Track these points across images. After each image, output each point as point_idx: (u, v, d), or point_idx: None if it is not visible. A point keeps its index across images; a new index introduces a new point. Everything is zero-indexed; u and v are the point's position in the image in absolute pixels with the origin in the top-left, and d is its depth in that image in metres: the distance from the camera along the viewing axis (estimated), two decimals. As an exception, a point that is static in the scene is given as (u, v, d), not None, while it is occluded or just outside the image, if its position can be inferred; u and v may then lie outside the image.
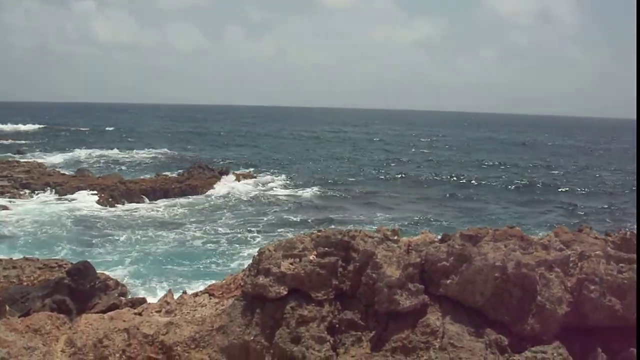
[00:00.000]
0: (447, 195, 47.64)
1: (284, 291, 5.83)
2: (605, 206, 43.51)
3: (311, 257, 5.94)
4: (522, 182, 56.38)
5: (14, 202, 38.31)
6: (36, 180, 41.95)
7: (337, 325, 5.95)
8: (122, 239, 31.11)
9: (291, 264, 5.92)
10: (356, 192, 48.07)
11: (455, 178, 58.20)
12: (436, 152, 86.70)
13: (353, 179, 55.38)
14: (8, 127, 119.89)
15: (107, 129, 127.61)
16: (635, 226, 41.78)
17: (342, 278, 6.16)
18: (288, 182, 52.35)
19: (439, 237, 6.94)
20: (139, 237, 31.62)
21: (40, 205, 38.73)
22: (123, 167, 61.00)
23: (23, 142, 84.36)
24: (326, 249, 6.09)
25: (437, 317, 5.77)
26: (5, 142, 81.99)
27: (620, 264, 6.20)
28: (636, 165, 75.95)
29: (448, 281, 5.97)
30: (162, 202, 41.86)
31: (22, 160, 56.93)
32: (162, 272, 25.60)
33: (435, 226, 33.75)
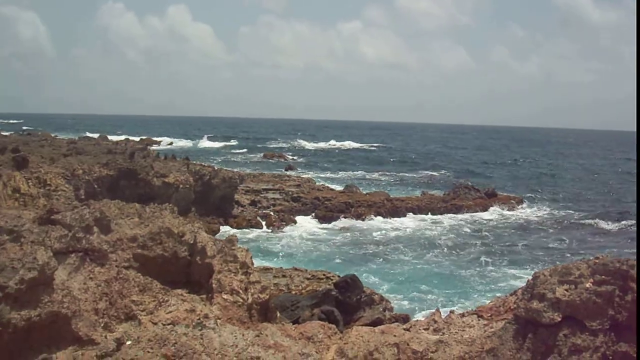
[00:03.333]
0: None
1: (557, 317, 5.62)
2: None
3: (587, 285, 5.69)
4: None
5: (284, 214, 40.39)
6: (306, 195, 43.93)
7: (610, 357, 5.63)
8: (385, 255, 31.73)
9: (566, 290, 5.70)
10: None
11: None
12: None
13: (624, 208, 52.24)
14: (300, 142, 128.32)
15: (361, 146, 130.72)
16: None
17: (618, 308, 5.82)
18: (558, 208, 50.53)
19: None
20: (401, 254, 32.08)
21: (309, 218, 40.57)
22: (388, 186, 62.29)
23: (295, 159, 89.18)
24: (603, 277, 5.79)
25: None
26: (282, 160, 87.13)
27: None
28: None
29: None
30: (424, 220, 42.28)
31: (292, 174, 60.34)
32: (423, 290, 25.77)
33: None
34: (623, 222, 43.26)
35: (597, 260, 5.98)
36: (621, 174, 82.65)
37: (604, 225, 42.74)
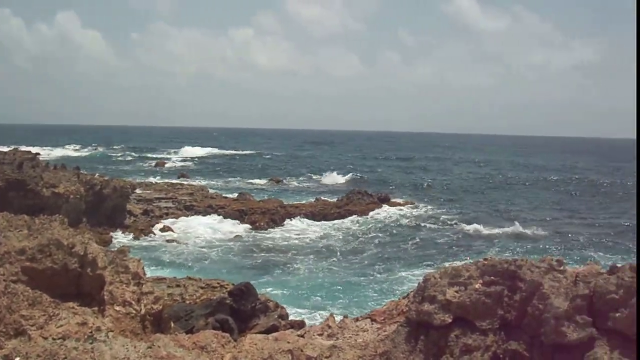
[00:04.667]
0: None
1: (448, 319, 5.76)
2: None
3: (477, 286, 5.85)
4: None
5: (177, 223, 39.94)
6: (199, 203, 43.60)
7: (501, 356, 5.81)
8: (280, 261, 31.76)
9: (456, 291, 5.85)
10: (523, 219, 46.88)
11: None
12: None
13: (523, 209, 54.13)
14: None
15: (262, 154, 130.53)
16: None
17: (507, 308, 6.01)
18: (448, 211, 51.65)
19: (606, 269, 6.66)
20: (296, 260, 32.17)
21: (203, 226, 40.15)
22: (285, 192, 62.29)
23: (188, 166, 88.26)
24: (492, 277, 5.97)
25: (605, 352, 5.51)
26: (174, 168, 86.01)
27: None
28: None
29: (617, 314, 5.69)
30: (318, 226, 42.43)
31: (185, 183, 59.55)
32: (319, 296, 25.90)
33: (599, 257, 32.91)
34: (508, 227, 44.68)
35: (485, 262, 6.15)
36: (507, 179, 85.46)
37: (490, 226, 44.00)
